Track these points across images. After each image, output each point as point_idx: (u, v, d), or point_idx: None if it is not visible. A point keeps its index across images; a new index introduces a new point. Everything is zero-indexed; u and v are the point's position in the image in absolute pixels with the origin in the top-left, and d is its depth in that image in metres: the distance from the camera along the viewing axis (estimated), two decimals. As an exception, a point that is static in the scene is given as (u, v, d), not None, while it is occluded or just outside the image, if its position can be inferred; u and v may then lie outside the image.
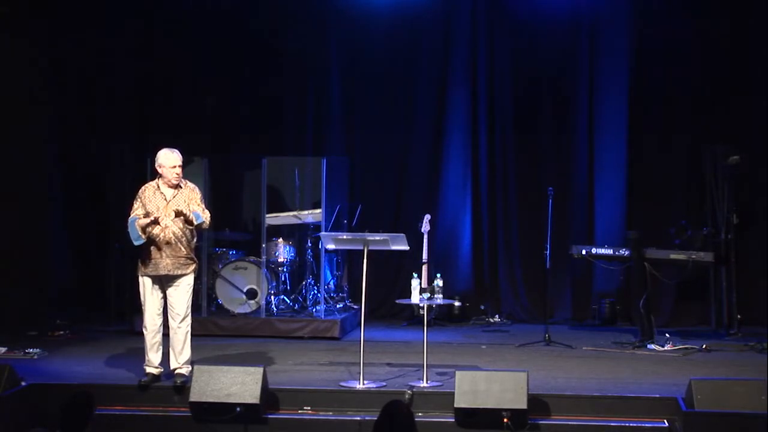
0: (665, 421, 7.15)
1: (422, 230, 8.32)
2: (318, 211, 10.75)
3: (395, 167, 11.82)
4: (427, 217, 8.47)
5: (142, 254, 7.78)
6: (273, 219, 10.89)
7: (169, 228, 7.70)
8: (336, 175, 10.95)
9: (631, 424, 7.13)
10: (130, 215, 7.79)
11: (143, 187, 7.90)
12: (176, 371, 7.69)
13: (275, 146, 11.49)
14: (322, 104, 11.81)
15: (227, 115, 11.71)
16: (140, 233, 7.69)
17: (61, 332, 10.20)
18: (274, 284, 10.68)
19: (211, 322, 10.30)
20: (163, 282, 7.76)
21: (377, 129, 11.75)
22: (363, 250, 7.84)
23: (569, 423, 7.21)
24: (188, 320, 7.76)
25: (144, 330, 7.80)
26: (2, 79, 10.44)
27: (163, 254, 7.69)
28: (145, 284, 7.79)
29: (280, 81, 11.73)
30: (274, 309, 10.60)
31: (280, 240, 10.81)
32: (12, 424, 7.02)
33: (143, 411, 7.45)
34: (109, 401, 7.39)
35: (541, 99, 11.58)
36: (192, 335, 7.95)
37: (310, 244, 10.92)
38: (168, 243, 7.68)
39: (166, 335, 7.83)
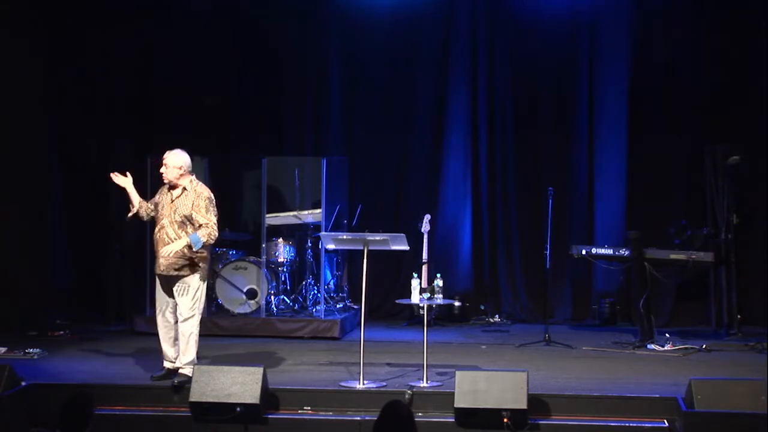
0: (665, 421, 7.15)
1: (422, 230, 8.32)
2: (318, 211, 10.76)
3: (395, 167, 11.82)
4: (427, 217, 8.47)
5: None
6: (273, 219, 10.90)
7: (165, 229, 7.76)
8: (336, 175, 10.95)
9: (631, 424, 7.13)
10: None
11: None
12: (178, 371, 7.72)
13: (275, 146, 11.50)
14: (322, 104, 11.81)
15: (227, 115, 11.71)
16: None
17: (61, 332, 10.20)
18: (274, 284, 10.68)
19: (211, 322, 10.29)
20: (166, 282, 7.82)
21: (377, 129, 11.75)
22: (363, 250, 7.85)
23: (569, 423, 7.21)
24: (191, 321, 7.73)
25: (157, 326, 7.90)
26: (2, 79, 10.44)
27: (160, 254, 7.75)
28: (157, 281, 7.90)
29: (280, 81, 11.74)
30: (274, 309, 10.60)
31: (280, 240, 10.82)
32: (12, 424, 7.02)
33: (143, 411, 7.44)
34: (109, 401, 7.39)
35: (541, 99, 11.58)
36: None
37: (310, 244, 10.92)
38: (163, 244, 7.73)
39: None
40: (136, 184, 10.15)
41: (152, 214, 7.93)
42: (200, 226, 7.72)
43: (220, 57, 11.61)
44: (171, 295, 7.81)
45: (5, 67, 10.47)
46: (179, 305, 7.75)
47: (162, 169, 7.84)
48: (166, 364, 7.86)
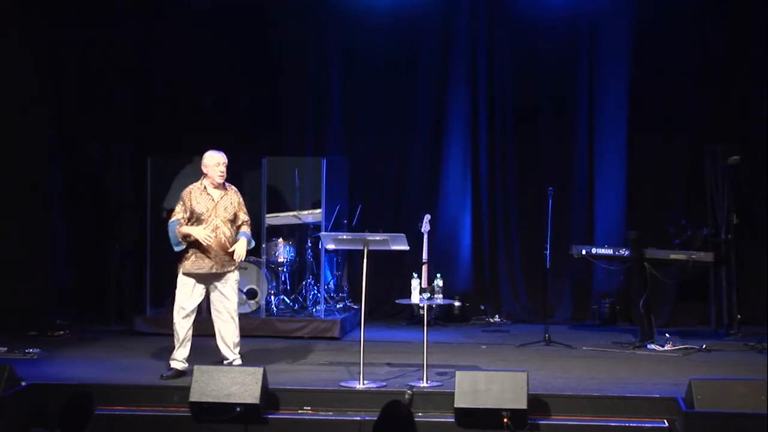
0: (665, 421, 7.14)
1: (422, 230, 8.31)
2: (318, 211, 10.76)
3: (395, 167, 11.82)
4: (427, 217, 8.46)
5: (187, 253, 7.93)
6: (273, 219, 10.89)
7: (220, 229, 7.92)
8: (336, 175, 10.95)
9: (631, 424, 7.12)
10: (171, 218, 7.95)
11: (188, 189, 8.02)
12: (233, 362, 7.93)
13: (275, 146, 11.49)
14: (322, 104, 11.81)
15: (227, 115, 11.71)
16: (180, 239, 7.87)
17: (61, 332, 10.20)
18: (274, 284, 10.68)
19: (211, 322, 10.27)
20: (208, 280, 7.94)
21: (377, 129, 11.76)
22: (363, 250, 7.84)
23: (569, 423, 7.20)
24: (237, 310, 8.15)
25: (177, 326, 7.97)
26: (1, 79, 10.44)
27: (212, 254, 7.88)
28: (187, 282, 7.95)
29: (280, 81, 11.74)
30: (274, 309, 10.61)
31: (280, 240, 10.81)
32: (12, 424, 7.02)
33: (143, 411, 7.43)
34: (109, 401, 7.37)
35: (541, 99, 11.58)
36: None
37: (310, 244, 10.92)
38: (218, 244, 7.89)
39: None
40: (136, 184, 10.19)
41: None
42: (243, 223, 8.09)
43: (221, 57, 11.61)
44: (205, 293, 7.98)
45: (5, 66, 10.47)
46: (228, 298, 8.01)
47: (223, 169, 7.95)
48: (176, 365, 7.94)
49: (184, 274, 7.96)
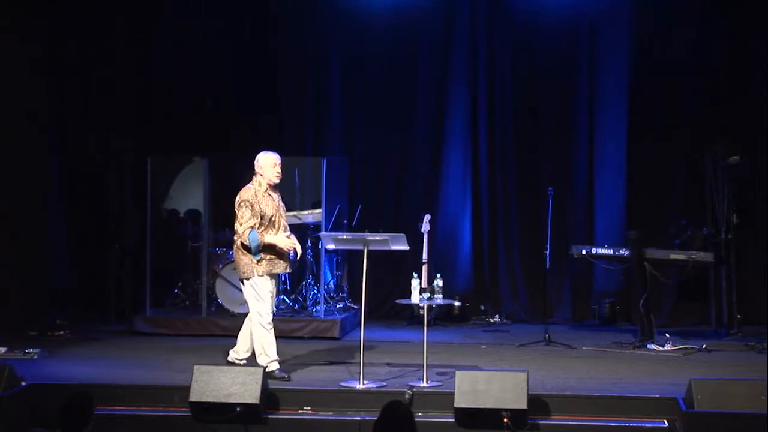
0: (665, 421, 7.15)
1: (422, 230, 8.31)
2: (318, 211, 10.76)
3: (395, 167, 11.82)
4: (427, 217, 8.46)
5: (266, 253, 7.88)
6: (273, 219, 10.87)
7: (287, 231, 8.06)
8: (336, 175, 10.95)
9: (631, 424, 7.12)
10: (243, 224, 7.79)
11: (251, 193, 7.92)
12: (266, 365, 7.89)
13: (275, 146, 11.45)
14: (322, 104, 11.81)
15: (227, 115, 11.71)
16: (260, 248, 7.81)
17: (61, 332, 10.20)
18: (274, 284, 10.67)
19: (211, 322, 10.30)
20: (274, 280, 8.06)
21: (377, 129, 11.76)
22: (363, 250, 7.84)
23: (569, 423, 7.20)
24: None
25: (269, 326, 7.89)
26: (2, 80, 10.43)
27: (284, 254, 7.94)
28: (266, 283, 7.91)
29: (280, 81, 11.74)
30: (274, 309, 10.57)
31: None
32: (12, 424, 7.02)
33: (143, 411, 7.43)
34: (109, 401, 7.37)
35: (541, 99, 11.58)
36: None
37: (310, 244, 10.91)
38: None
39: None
40: (136, 183, 10.12)
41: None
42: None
43: (220, 57, 11.61)
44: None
45: (4, 66, 10.46)
46: (275, 297, 8.23)
47: (279, 170, 7.98)
48: (275, 365, 7.91)
49: (261, 275, 7.85)
